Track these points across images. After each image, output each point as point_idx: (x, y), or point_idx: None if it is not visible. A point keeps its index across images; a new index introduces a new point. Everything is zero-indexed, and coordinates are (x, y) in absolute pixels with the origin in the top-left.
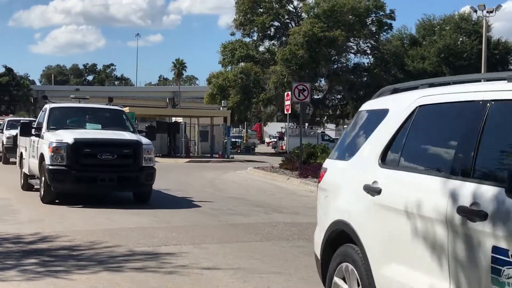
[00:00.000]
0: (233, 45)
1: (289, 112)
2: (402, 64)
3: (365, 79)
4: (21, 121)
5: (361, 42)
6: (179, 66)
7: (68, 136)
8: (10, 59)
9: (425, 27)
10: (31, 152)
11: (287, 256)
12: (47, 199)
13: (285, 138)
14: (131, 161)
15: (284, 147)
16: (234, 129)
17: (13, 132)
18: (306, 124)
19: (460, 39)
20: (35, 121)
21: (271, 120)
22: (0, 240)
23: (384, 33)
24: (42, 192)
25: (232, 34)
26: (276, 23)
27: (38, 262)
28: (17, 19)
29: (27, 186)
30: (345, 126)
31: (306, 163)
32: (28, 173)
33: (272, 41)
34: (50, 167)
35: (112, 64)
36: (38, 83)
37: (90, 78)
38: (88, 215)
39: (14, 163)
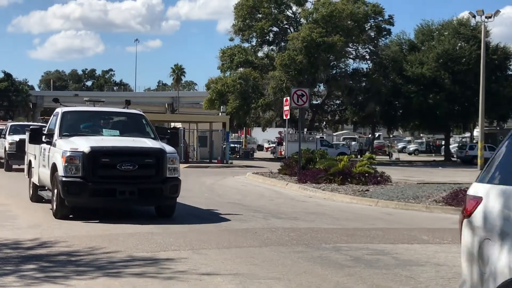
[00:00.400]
0: (232, 51)
1: (288, 117)
2: (400, 69)
3: (364, 84)
4: (31, 126)
5: (359, 48)
6: (178, 71)
7: (83, 144)
8: (9, 65)
9: (424, 32)
10: (41, 160)
11: (286, 262)
12: (61, 214)
13: (284, 143)
14: (153, 171)
15: (283, 153)
16: (233, 134)
17: (16, 137)
18: (305, 130)
19: (459, 44)
20: (45, 126)
21: (270, 125)
22: None
23: (383, 39)
24: (55, 207)
25: (231, 39)
26: (275, 29)
27: (37, 268)
28: (16, 25)
29: (36, 198)
30: (343, 131)
31: (305, 169)
32: (37, 184)
33: (271, 47)
34: (64, 178)
35: (111, 70)
36: (37, 89)
37: (89, 83)
38: (86, 221)
39: (18, 170)
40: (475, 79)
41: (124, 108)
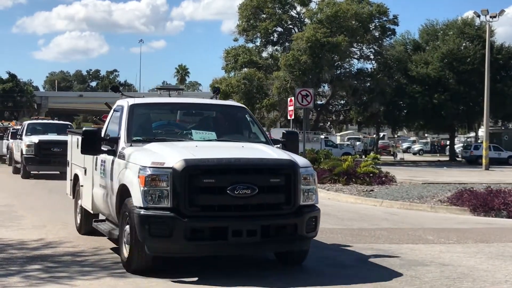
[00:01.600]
0: (236, 51)
1: (292, 117)
2: (405, 69)
3: (369, 84)
4: (84, 129)
5: (364, 48)
6: (182, 71)
7: (171, 154)
8: (14, 65)
9: (428, 32)
10: (97, 178)
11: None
12: (137, 265)
13: None
14: (282, 197)
15: None
16: None
17: (35, 138)
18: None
19: (464, 44)
20: (100, 128)
21: (274, 125)
22: (4, 246)
23: (387, 39)
24: (126, 253)
25: (235, 40)
26: (279, 29)
27: (42, 268)
28: (21, 26)
29: (86, 229)
30: (348, 131)
31: None
32: (91, 211)
33: (275, 47)
34: (143, 211)
35: (115, 70)
36: (41, 89)
37: (93, 84)
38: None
39: (36, 176)
40: (480, 78)
41: (212, 98)
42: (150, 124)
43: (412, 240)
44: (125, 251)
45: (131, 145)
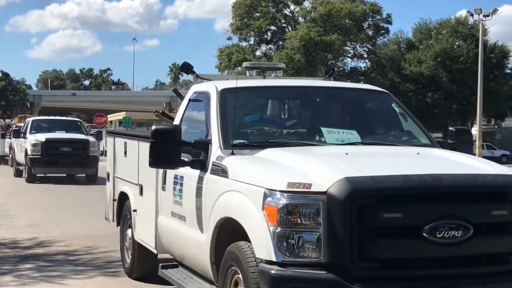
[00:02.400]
0: (229, 50)
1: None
2: (399, 68)
3: (362, 83)
4: (153, 127)
5: (357, 46)
6: (176, 70)
7: (320, 169)
8: (7, 64)
9: (422, 31)
10: (168, 201)
11: None
12: None
13: None
14: (510, 242)
15: None
16: None
17: (41, 136)
18: None
19: (457, 43)
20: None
21: None
22: None
23: (381, 37)
24: None
25: (229, 38)
26: (272, 28)
27: (34, 267)
28: (14, 24)
29: (142, 273)
30: None
31: None
32: (154, 250)
33: (269, 46)
34: (277, 269)
35: (108, 69)
36: (34, 88)
37: (86, 83)
38: (85, 220)
39: (42, 180)
40: (473, 77)
41: (325, 78)
42: (254, 120)
43: None
44: None
45: (232, 153)
